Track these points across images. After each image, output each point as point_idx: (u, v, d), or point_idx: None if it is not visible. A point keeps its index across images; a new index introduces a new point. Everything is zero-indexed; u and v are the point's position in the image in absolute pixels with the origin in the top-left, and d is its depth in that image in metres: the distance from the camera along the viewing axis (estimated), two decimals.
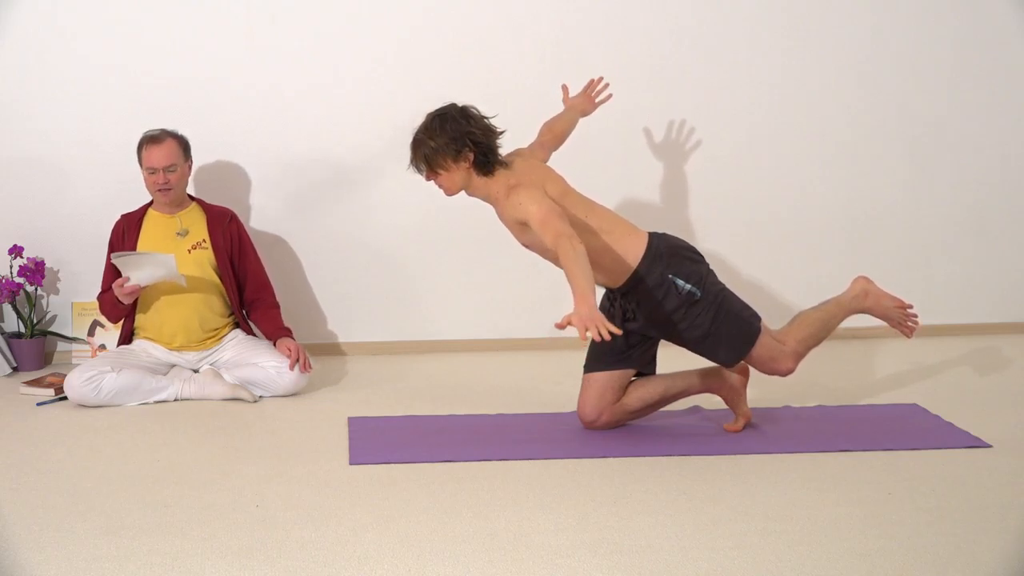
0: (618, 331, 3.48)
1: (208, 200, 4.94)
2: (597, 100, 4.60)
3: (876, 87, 5.54)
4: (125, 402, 4.47)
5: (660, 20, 5.37)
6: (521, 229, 3.90)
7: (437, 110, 3.93)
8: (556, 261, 3.95)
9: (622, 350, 4.06)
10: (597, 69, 5.33)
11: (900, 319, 4.28)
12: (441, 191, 4.00)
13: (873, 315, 4.29)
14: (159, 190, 4.66)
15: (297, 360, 4.60)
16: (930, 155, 5.62)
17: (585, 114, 4.57)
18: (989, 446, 3.94)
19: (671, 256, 3.96)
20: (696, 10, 5.39)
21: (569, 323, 3.43)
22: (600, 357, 4.10)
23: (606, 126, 5.17)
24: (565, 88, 4.56)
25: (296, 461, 3.83)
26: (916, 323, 4.30)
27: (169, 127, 4.76)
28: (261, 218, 5.31)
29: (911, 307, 4.29)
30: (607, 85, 4.59)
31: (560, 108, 4.61)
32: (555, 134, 4.38)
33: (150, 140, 4.66)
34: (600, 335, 3.42)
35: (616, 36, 5.36)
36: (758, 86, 5.47)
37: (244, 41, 5.20)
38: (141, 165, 4.69)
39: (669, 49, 5.40)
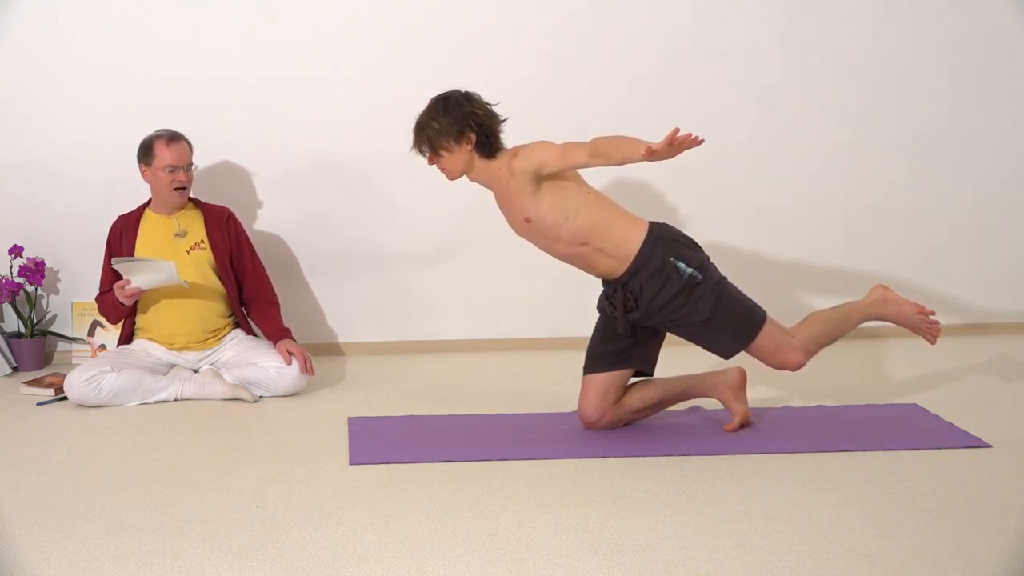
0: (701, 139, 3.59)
1: (208, 200, 4.94)
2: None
3: (876, 87, 5.54)
4: (125, 402, 4.47)
5: (660, 20, 5.37)
6: (528, 195, 3.88)
7: (440, 94, 3.96)
8: (556, 241, 3.94)
9: (624, 349, 4.06)
10: (597, 69, 5.35)
11: (921, 325, 4.19)
12: (443, 175, 4.01)
13: (894, 322, 4.22)
14: (178, 188, 4.66)
15: (304, 361, 4.61)
16: (930, 155, 5.63)
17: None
18: (989, 446, 3.94)
19: (672, 241, 3.98)
20: (696, 10, 5.39)
21: (651, 149, 3.58)
22: (601, 357, 4.10)
23: (606, 126, 5.17)
24: None
25: (296, 461, 3.83)
26: (939, 328, 4.21)
27: (169, 127, 4.76)
28: (261, 218, 5.31)
29: (933, 313, 4.20)
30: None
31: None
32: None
33: (170, 139, 4.66)
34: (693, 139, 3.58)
35: (616, 36, 5.36)
36: (758, 86, 5.48)
37: (244, 41, 5.20)
38: (151, 164, 4.66)
39: (669, 49, 5.40)
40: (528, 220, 3.94)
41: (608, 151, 3.72)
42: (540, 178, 3.87)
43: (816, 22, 5.46)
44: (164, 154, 4.64)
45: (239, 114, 5.21)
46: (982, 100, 5.61)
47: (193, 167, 4.74)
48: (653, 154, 3.60)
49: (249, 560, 3.03)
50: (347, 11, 5.24)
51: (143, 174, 4.71)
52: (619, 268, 3.96)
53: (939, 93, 5.59)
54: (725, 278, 4.04)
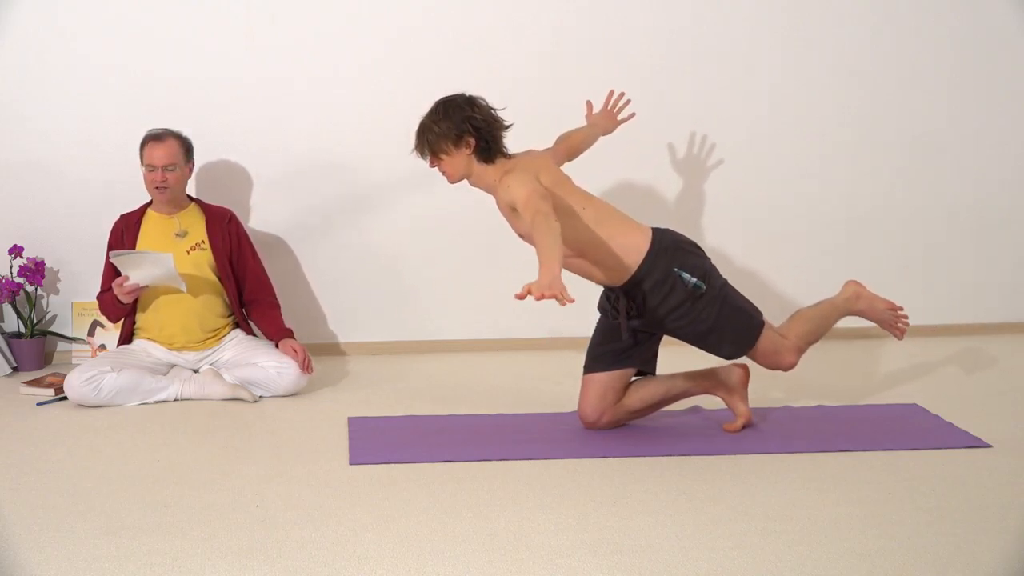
0: (571, 300, 3.39)
1: (208, 200, 4.94)
2: (619, 117, 4.53)
3: (876, 87, 5.54)
4: (125, 402, 4.47)
5: (660, 20, 5.37)
6: (514, 216, 3.90)
7: (444, 97, 3.96)
8: None
9: (623, 349, 4.06)
10: (596, 69, 5.35)
11: (891, 321, 4.30)
12: (444, 178, 4.01)
13: (865, 317, 4.32)
14: (156, 188, 4.67)
15: (303, 360, 4.61)
16: (930, 155, 5.63)
17: (607, 132, 4.49)
18: (989, 446, 3.94)
19: (675, 250, 3.97)
20: (696, 10, 5.39)
21: (529, 292, 3.38)
22: (600, 357, 4.10)
23: None
24: (589, 104, 4.53)
25: (296, 461, 3.83)
26: (906, 324, 4.32)
27: (169, 126, 4.76)
28: (261, 218, 5.31)
29: (901, 308, 4.31)
30: (628, 101, 4.52)
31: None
32: (570, 144, 4.32)
33: (153, 138, 4.68)
34: (559, 300, 3.37)
35: (616, 36, 5.36)
36: (758, 86, 5.47)
37: (244, 41, 5.20)
38: (142, 162, 4.69)
39: (668, 49, 5.40)
40: (521, 236, 3.97)
41: (535, 237, 3.61)
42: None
43: (816, 22, 5.46)
44: (144, 153, 4.66)
45: (239, 114, 5.21)
46: (982, 100, 5.61)
47: (182, 167, 4.70)
48: (526, 294, 3.40)
49: (249, 560, 3.03)
50: (347, 11, 5.24)
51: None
52: (620, 278, 3.96)
53: (939, 93, 5.59)
54: (727, 283, 4.04)
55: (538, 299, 3.38)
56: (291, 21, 5.21)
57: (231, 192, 5.22)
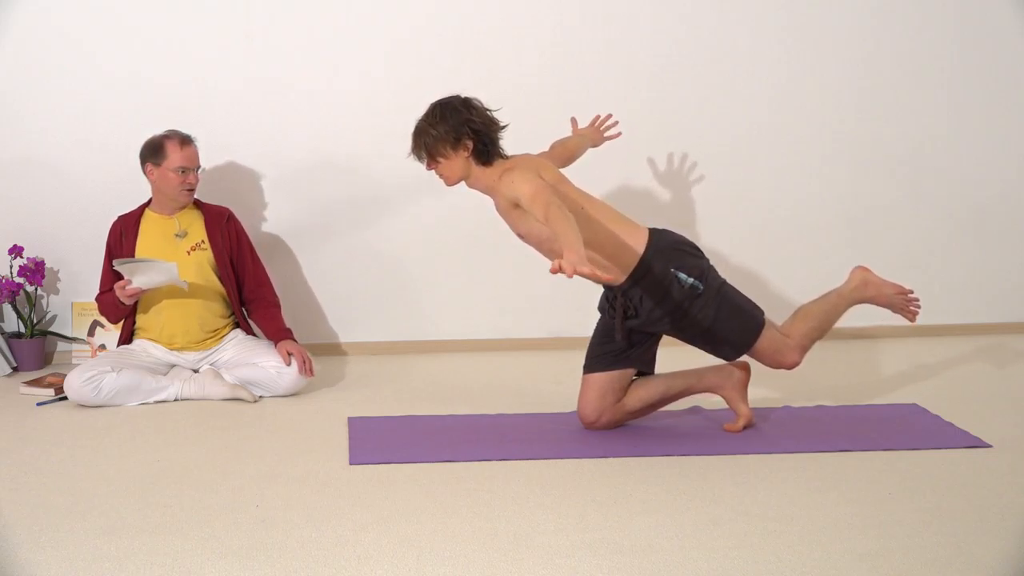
0: (608, 278, 3.40)
1: (209, 200, 4.94)
2: (606, 134, 4.59)
3: (877, 86, 5.54)
4: (125, 402, 4.47)
5: (660, 20, 5.37)
6: (517, 215, 3.89)
7: (439, 100, 3.96)
8: (551, 253, 3.95)
9: (622, 349, 4.06)
10: (597, 69, 5.35)
11: (902, 305, 4.27)
12: (441, 181, 4.01)
13: (876, 304, 4.28)
14: (188, 189, 4.66)
15: (303, 362, 4.61)
16: (930, 155, 5.63)
17: (595, 144, 4.55)
18: (989, 446, 3.94)
19: (672, 250, 3.97)
20: (696, 10, 5.39)
21: (560, 268, 3.38)
22: (600, 357, 4.10)
23: None
24: (574, 121, 4.57)
25: (296, 461, 3.83)
26: (918, 307, 4.28)
27: (171, 127, 4.76)
28: (261, 218, 5.31)
29: (911, 292, 4.27)
30: (616, 122, 4.59)
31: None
32: (566, 148, 4.37)
33: (183, 140, 4.66)
34: (593, 276, 3.40)
35: (616, 36, 5.36)
36: (758, 85, 5.47)
37: (244, 42, 5.20)
38: (160, 164, 4.65)
39: (669, 49, 5.40)
40: (521, 236, 3.97)
41: (552, 226, 3.61)
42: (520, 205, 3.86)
43: (817, 22, 5.46)
44: (177, 156, 4.64)
45: (239, 115, 5.21)
46: (983, 100, 5.61)
47: (201, 170, 4.75)
48: (558, 270, 3.42)
49: (249, 560, 3.03)
50: (348, 12, 5.24)
51: (148, 173, 4.70)
52: (618, 277, 3.96)
53: (940, 93, 5.59)
54: (725, 282, 4.04)
55: (570, 276, 3.38)
56: (292, 22, 5.21)
57: (233, 193, 5.21)
